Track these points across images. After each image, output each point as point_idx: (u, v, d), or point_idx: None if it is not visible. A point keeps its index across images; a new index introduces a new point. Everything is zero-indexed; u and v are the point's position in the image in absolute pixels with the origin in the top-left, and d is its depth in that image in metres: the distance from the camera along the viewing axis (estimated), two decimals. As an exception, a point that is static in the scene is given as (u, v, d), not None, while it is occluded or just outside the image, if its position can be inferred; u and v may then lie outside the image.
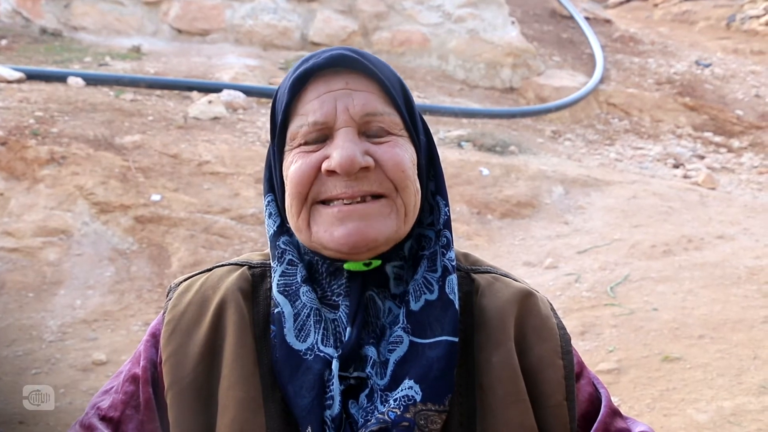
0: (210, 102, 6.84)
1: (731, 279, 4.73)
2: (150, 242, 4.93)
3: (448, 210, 1.07)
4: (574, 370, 1.04)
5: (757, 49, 12.69)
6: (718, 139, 9.44)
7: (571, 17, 12.25)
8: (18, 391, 3.34)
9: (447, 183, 1.10)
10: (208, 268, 1.11)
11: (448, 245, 1.04)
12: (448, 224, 1.06)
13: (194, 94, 7.21)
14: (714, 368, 3.61)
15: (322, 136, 0.97)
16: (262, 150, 6.07)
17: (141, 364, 1.03)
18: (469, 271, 1.10)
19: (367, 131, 0.97)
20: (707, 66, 11.42)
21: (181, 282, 1.10)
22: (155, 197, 5.21)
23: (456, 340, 0.97)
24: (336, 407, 0.93)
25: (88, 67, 7.54)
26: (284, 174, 1.00)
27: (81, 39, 8.57)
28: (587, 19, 12.29)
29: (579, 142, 8.55)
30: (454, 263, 1.03)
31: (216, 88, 7.28)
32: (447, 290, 1.00)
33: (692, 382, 3.49)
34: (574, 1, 13.32)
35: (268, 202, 1.07)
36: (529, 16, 11.97)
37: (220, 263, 1.12)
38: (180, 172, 5.56)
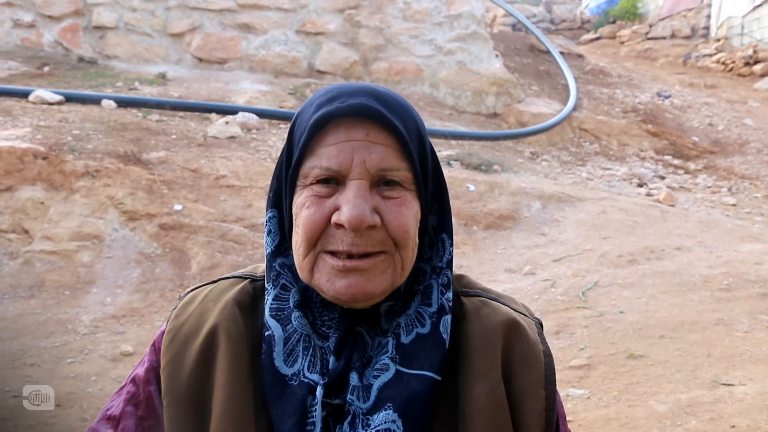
0: (227, 123, 6.85)
1: (688, 286, 4.74)
2: (172, 247, 4.93)
3: (452, 250, 0.98)
4: (555, 401, 0.95)
5: (709, 83, 12.75)
6: (676, 162, 9.48)
7: (548, 52, 12.31)
8: (56, 377, 3.34)
9: None
10: (215, 279, 1.04)
11: (448, 285, 0.96)
12: (450, 264, 0.97)
13: (213, 115, 7.21)
14: (673, 365, 3.62)
15: (335, 180, 0.89)
16: (272, 166, 6.05)
17: (144, 366, 1.00)
18: (459, 294, 1.00)
19: (379, 181, 0.90)
20: (667, 97, 11.47)
21: (188, 292, 1.03)
22: (177, 207, 5.21)
23: (439, 378, 0.90)
24: None
25: (119, 91, 7.55)
26: (294, 209, 0.92)
27: (114, 66, 8.58)
28: (562, 53, 12.36)
29: (554, 163, 8.58)
30: (451, 303, 0.95)
31: (232, 111, 7.29)
32: (441, 329, 0.92)
33: (653, 377, 3.50)
34: (550, 38, 13.39)
35: (270, 217, 0.97)
36: (511, 50, 12.03)
37: (227, 275, 1.05)
38: (199, 184, 5.57)
